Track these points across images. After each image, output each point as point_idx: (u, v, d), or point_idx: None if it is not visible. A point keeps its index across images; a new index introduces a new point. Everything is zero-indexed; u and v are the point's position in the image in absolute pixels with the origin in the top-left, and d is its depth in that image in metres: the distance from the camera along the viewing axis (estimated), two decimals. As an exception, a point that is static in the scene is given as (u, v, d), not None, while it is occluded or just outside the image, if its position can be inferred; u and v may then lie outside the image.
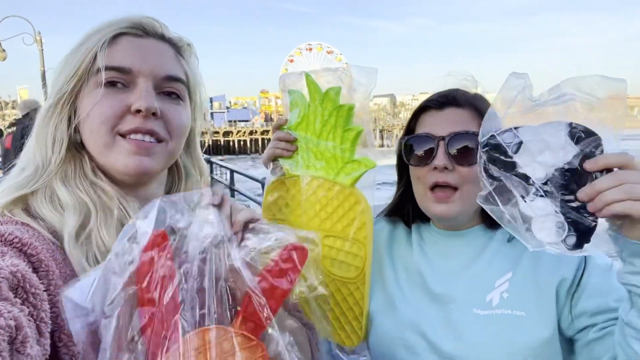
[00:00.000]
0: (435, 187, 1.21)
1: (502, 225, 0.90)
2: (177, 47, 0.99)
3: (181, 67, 0.97)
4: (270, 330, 0.76)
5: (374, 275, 1.27)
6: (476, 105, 1.21)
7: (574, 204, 0.83)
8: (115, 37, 0.90)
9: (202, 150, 1.11)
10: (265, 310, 0.75)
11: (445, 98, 1.23)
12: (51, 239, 0.80)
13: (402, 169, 1.35)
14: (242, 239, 0.83)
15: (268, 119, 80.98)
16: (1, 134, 7.19)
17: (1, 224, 0.77)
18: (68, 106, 0.89)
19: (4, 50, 13.79)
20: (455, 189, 1.19)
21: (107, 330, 0.68)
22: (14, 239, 0.72)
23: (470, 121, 1.20)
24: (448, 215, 1.21)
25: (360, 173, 1.20)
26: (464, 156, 1.17)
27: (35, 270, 0.71)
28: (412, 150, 1.25)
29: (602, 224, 0.84)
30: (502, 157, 0.88)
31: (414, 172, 1.26)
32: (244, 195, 6.11)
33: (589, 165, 0.83)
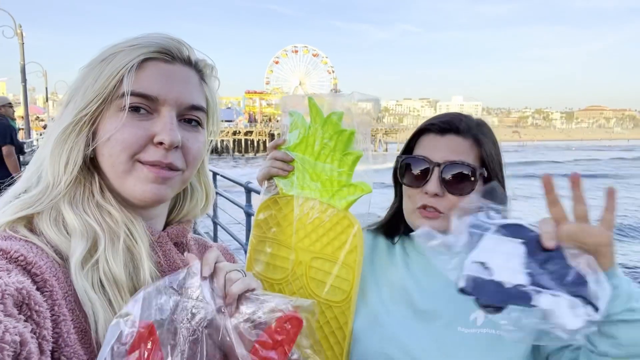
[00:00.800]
0: (423, 207, 1.23)
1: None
2: (201, 73, 0.98)
3: (203, 94, 0.97)
4: None
5: (357, 291, 1.27)
6: (477, 136, 1.23)
7: (569, 278, 0.85)
8: (143, 61, 0.88)
9: None
10: None
11: (447, 125, 1.25)
12: (54, 257, 0.79)
13: (397, 183, 1.36)
14: (237, 308, 0.82)
15: (252, 119, 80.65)
16: None
17: (5, 240, 0.76)
18: (88, 127, 0.87)
19: (-19, 42, 13.47)
20: (442, 213, 1.21)
21: None
22: (19, 256, 0.72)
23: (469, 151, 1.22)
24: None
25: (356, 197, 1.21)
26: (457, 185, 1.19)
27: (39, 289, 0.71)
28: (407, 169, 1.26)
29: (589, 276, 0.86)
30: (492, 304, 0.86)
31: (406, 190, 1.28)
32: (228, 199, 6.05)
33: (547, 244, 0.86)
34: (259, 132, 72.12)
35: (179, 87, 0.90)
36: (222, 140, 68.23)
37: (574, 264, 0.85)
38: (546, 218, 0.90)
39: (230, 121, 76.65)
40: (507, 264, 0.86)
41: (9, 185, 0.90)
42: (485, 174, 1.21)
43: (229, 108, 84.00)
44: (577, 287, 0.83)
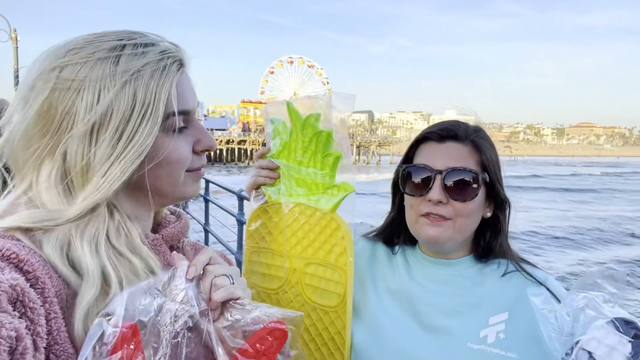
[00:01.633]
0: (427, 214, 1.21)
1: None
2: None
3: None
4: None
5: (357, 300, 1.27)
6: (476, 142, 1.23)
7: None
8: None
9: None
10: None
11: (446, 132, 1.25)
12: (46, 258, 0.76)
13: (396, 193, 1.36)
14: (220, 314, 0.82)
15: (246, 128, 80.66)
16: None
17: None
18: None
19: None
20: (449, 219, 1.20)
21: None
22: (11, 254, 0.71)
23: (469, 157, 1.21)
24: (438, 239, 1.21)
25: (340, 198, 1.22)
26: (460, 191, 1.18)
27: (31, 286, 0.70)
28: (408, 179, 1.25)
29: None
30: None
31: (408, 200, 1.27)
32: (221, 207, 6.03)
33: None
34: (253, 141, 72.12)
35: (195, 94, 0.95)
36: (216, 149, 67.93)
37: None
38: None
39: (224, 130, 76.58)
40: (609, 358, 0.88)
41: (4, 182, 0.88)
42: (487, 178, 1.21)
43: (223, 117, 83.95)
44: None
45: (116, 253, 0.81)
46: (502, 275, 1.24)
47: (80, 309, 0.74)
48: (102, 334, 0.67)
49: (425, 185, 1.21)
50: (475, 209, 1.21)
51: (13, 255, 0.71)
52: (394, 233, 1.38)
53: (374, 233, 1.44)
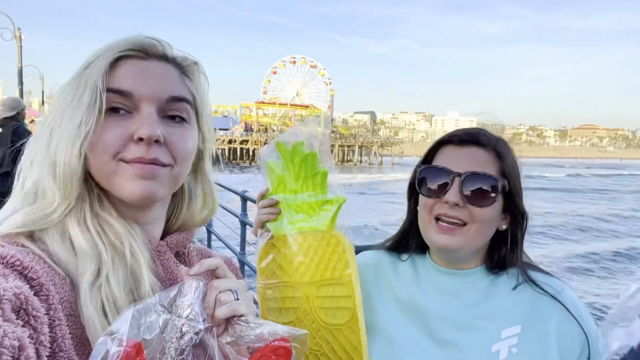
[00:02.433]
0: (439, 219, 1.20)
1: None
2: (181, 67, 0.94)
3: (186, 87, 0.93)
4: None
5: (366, 313, 1.25)
6: (498, 149, 1.21)
7: None
8: (116, 61, 0.86)
9: None
10: None
11: (468, 136, 1.23)
12: (51, 265, 0.78)
13: (411, 197, 1.34)
14: (225, 329, 0.82)
15: (248, 128, 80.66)
16: None
17: (2, 247, 0.76)
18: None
19: (-20, 44, 13.44)
20: (463, 224, 1.18)
21: None
22: (15, 261, 0.71)
23: (490, 163, 1.20)
24: (450, 247, 1.19)
25: (335, 211, 1.23)
26: (478, 196, 1.16)
27: (35, 294, 0.70)
28: (426, 180, 1.24)
29: None
30: None
31: (424, 201, 1.25)
32: (224, 208, 6.04)
33: None
34: (255, 141, 72.13)
35: (155, 82, 0.87)
36: (218, 149, 67.87)
37: None
38: None
39: (227, 129, 76.61)
40: None
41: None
42: (507, 187, 1.19)
43: (225, 116, 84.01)
44: None
45: (100, 220, 0.85)
46: (514, 288, 1.22)
47: (84, 287, 0.76)
48: (107, 353, 0.66)
49: (442, 188, 1.19)
50: (491, 217, 1.19)
51: (17, 263, 0.71)
52: (409, 241, 1.36)
53: (387, 244, 1.42)
